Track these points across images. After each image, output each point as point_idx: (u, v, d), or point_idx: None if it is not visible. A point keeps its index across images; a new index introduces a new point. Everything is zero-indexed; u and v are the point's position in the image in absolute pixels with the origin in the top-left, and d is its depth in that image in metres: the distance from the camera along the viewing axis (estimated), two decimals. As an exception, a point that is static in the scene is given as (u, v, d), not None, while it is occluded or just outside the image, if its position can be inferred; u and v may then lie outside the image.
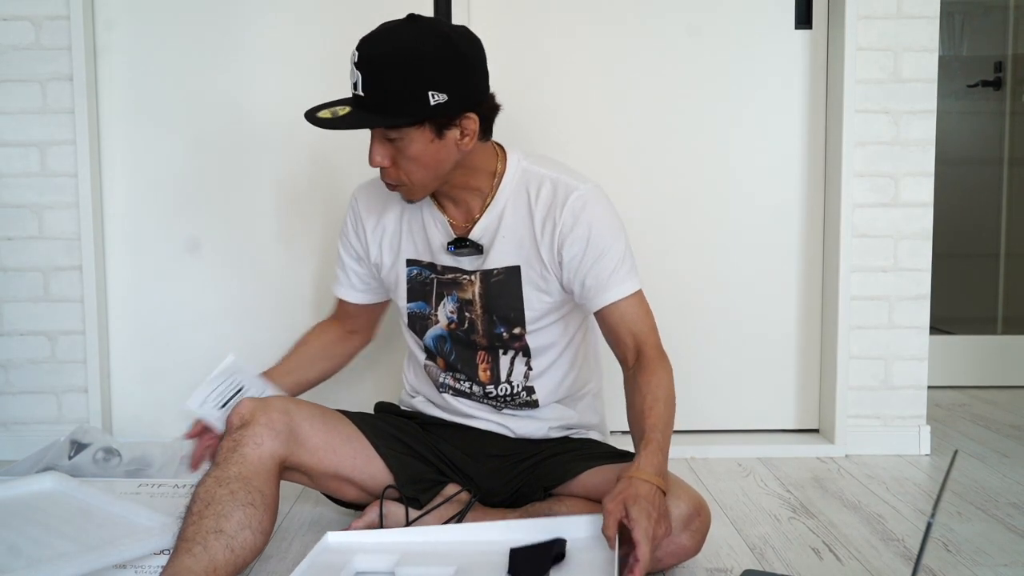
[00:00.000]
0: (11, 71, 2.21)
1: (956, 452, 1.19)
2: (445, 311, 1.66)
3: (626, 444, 1.66)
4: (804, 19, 2.33)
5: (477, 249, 1.62)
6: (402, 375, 1.87)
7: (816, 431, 2.43)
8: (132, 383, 2.35)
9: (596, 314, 1.62)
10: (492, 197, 1.61)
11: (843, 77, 2.25)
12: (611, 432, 1.91)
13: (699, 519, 1.49)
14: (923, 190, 2.30)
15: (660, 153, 2.36)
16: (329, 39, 2.29)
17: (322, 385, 2.19)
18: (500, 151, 1.64)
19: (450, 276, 1.65)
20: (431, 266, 1.67)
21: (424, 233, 1.67)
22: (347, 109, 1.48)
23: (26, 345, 2.28)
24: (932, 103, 2.28)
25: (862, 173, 2.29)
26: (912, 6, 2.25)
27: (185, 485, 1.88)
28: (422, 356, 1.75)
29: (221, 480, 1.41)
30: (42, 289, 2.27)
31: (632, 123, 2.33)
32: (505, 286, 1.62)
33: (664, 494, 1.40)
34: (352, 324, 1.88)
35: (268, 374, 1.76)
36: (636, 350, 1.58)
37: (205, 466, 1.52)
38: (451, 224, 1.64)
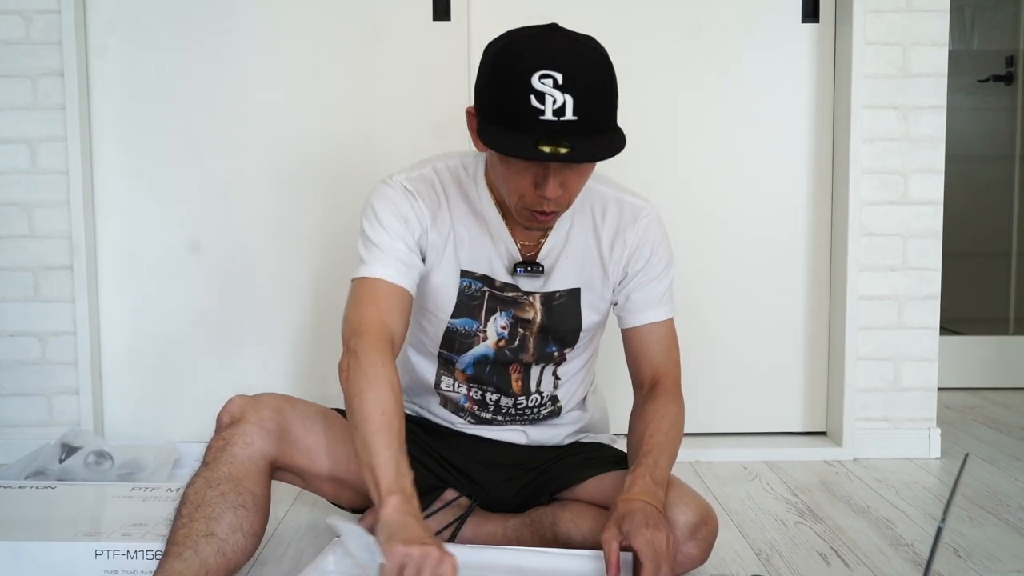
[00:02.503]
0: (1, 66, 2.21)
1: (967, 455, 1.19)
2: (496, 327, 1.59)
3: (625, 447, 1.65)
4: (811, 13, 2.33)
5: (540, 270, 1.58)
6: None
7: (823, 434, 2.43)
8: (124, 385, 2.35)
9: (627, 331, 1.63)
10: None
11: (851, 72, 2.25)
12: (615, 435, 1.91)
13: (706, 528, 1.49)
14: (933, 187, 2.30)
15: (662, 151, 2.36)
16: (327, 34, 2.30)
17: (315, 383, 2.19)
18: None
19: (509, 294, 1.59)
20: (486, 280, 1.58)
21: (485, 247, 1.57)
22: (563, 143, 1.31)
23: (16, 346, 2.28)
24: (942, 98, 2.28)
25: (870, 170, 2.29)
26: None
27: (178, 489, 1.88)
28: (431, 374, 1.67)
29: (211, 481, 1.39)
30: (32, 289, 2.27)
31: (633, 121, 2.27)
32: (566, 308, 1.61)
33: (659, 510, 1.40)
34: (400, 334, 1.50)
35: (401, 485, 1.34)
36: (653, 379, 1.60)
37: None
38: (518, 244, 1.57)
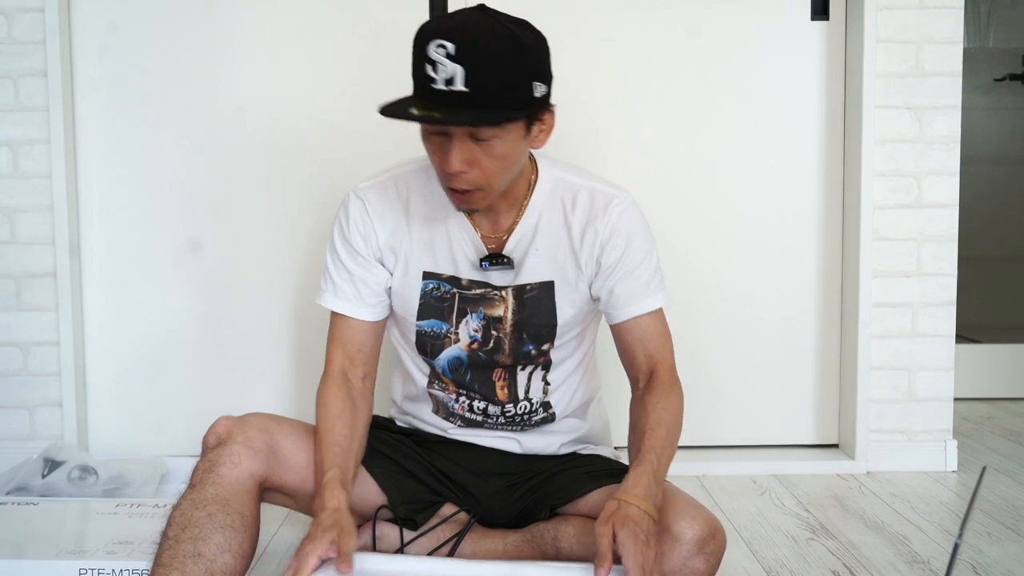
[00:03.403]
0: (-19, 67, 2.22)
1: (984, 468, 1.19)
2: (468, 329, 1.62)
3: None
4: (821, 10, 2.34)
5: (510, 264, 1.60)
6: (390, 394, 1.83)
7: (836, 446, 2.43)
8: (110, 397, 2.34)
9: (615, 326, 1.63)
10: (526, 207, 1.60)
11: (862, 71, 2.25)
12: (616, 447, 1.90)
13: (713, 542, 1.48)
14: (948, 190, 2.30)
15: (667, 154, 2.36)
16: (321, 34, 2.30)
17: (307, 400, 2.17)
18: (531, 157, 1.63)
19: (477, 291, 1.62)
20: (453, 280, 1.62)
21: (448, 245, 1.61)
22: (441, 110, 1.37)
23: (-3, 357, 2.28)
24: (957, 98, 2.28)
25: (883, 172, 2.29)
26: None
27: (165, 505, 1.87)
28: (423, 379, 1.71)
29: (197, 502, 1.39)
30: (14, 297, 2.26)
31: (636, 122, 2.34)
32: (540, 302, 1.62)
33: (654, 520, 1.40)
34: (363, 364, 1.64)
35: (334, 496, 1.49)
36: (649, 371, 1.60)
37: None
38: (481, 236, 1.61)
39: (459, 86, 1.36)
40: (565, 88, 2.23)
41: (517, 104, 1.42)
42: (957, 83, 2.27)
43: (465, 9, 1.44)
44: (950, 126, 2.28)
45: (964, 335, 2.60)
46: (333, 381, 1.60)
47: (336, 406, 1.56)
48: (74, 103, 2.27)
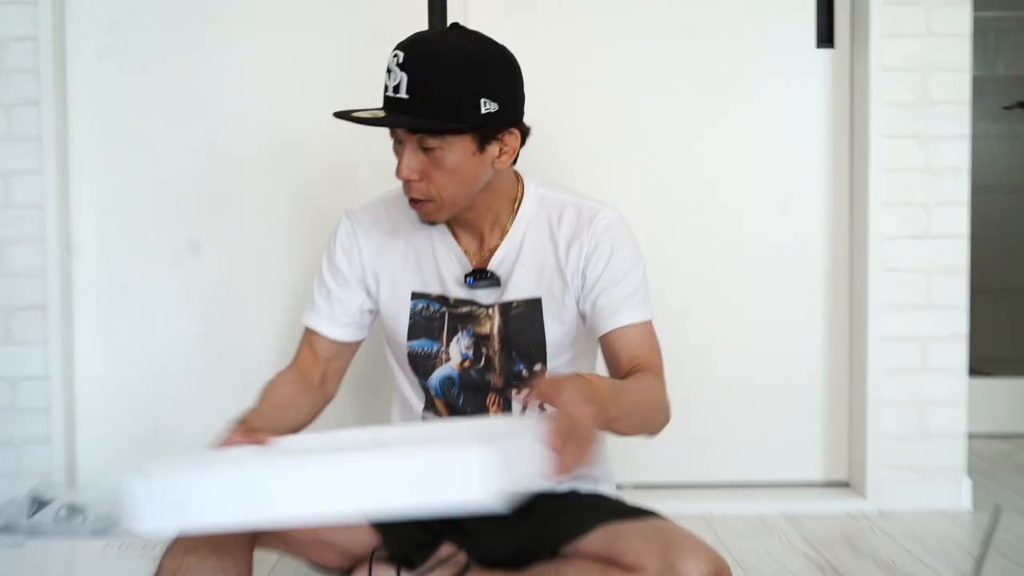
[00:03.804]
0: (-27, 96, 2.22)
1: (999, 507, 1.17)
2: (459, 347, 1.64)
3: (636, 499, 1.62)
4: (826, 37, 2.34)
5: (496, 281, 1.63)
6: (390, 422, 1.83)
7: (846, 484, 2.41)
8: (100, 433, 2.32)
9: (602, 339, 1.62)
10: (511, 225, 1.63)
11: (869, 99, 2.25)
12: (619, 487, 1.87)
13: (720, 581, 1.46)
14: (957, 220, 2.29)
15: (668, 182, 2.36)
16: (316, 65, 2.31)
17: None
18: (518, 177, 1.67)
19: (465, 309, 1.64)
20: (441, 299, 1.65)
21: (435, 263, 1.65)
22: (384, 114, 1.47)
23: (-16, 391, 2.26)
24: (965, 127, 2.28)
25: (891, 203, 2.28)
26: (942, 23, 2.25)
27: (156, 547, 1.84)
28: (419, 404, 1.72)
29: (189, 549, 1.38)
30: (3, 330, 2.25)
31: (636, 146, 2.34)
32: (526, 319, 1.63)
33: (598, 419, 1.32)
34: (321, 370, 1.72)
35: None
36: (633, 369, 1.58)
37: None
38: (466, 254, 1.64)
39: (402, 93, 1.45)
40: (588, 120, 2.31)
41: (459, 117, 1.46)
42: (966, 111, 2.27)
43: (444, 27, 1.54)
44: (959, 155, 2.28)
45: (977, 369, 2.57)
46: (289, 369, 1.70)
47: (283, 378, 1.67)
48: (67, 133, 2.27)
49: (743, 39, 2.34)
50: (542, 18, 2.33)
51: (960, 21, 2.25)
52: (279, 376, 1.70)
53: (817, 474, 2.41)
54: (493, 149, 1.53)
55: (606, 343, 1.62)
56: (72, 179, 2.28)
